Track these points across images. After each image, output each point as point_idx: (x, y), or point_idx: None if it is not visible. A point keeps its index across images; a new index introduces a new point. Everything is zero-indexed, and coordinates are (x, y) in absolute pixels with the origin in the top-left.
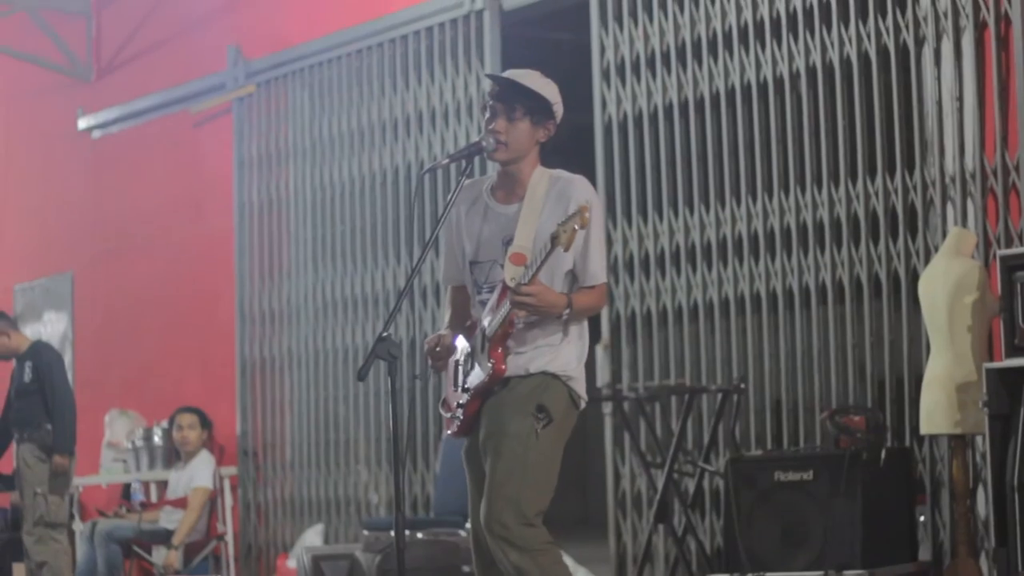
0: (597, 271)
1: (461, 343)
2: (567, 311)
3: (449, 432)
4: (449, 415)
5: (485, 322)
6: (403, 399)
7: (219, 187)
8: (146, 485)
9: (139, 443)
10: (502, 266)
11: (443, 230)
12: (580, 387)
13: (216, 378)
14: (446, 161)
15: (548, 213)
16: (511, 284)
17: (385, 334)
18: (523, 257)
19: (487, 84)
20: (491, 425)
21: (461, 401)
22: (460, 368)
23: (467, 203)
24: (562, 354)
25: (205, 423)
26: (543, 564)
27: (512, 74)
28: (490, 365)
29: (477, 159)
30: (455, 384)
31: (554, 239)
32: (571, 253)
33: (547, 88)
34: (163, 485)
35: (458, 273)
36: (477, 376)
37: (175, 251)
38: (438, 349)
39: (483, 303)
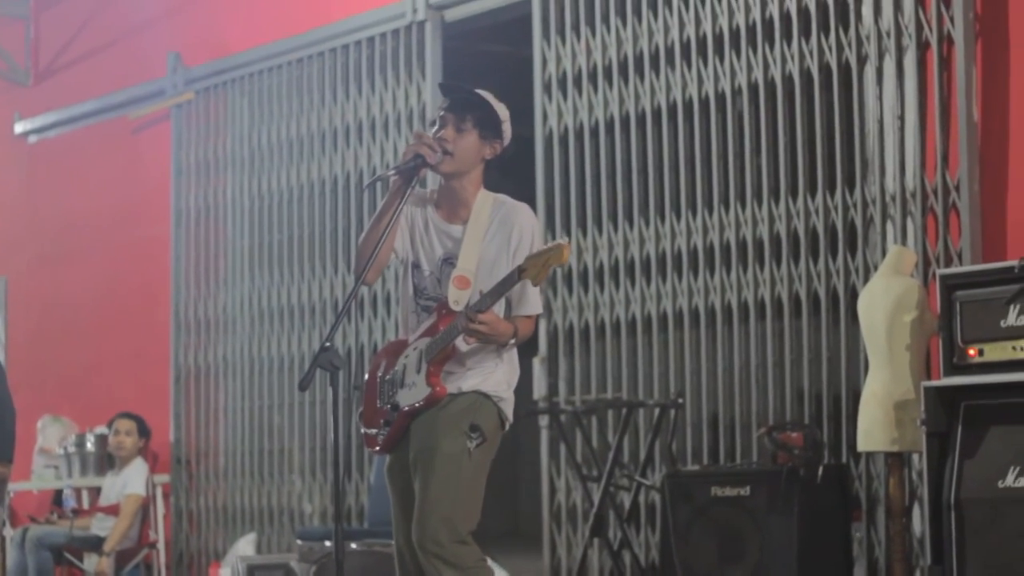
0: (535, 302)
1: (385, 358)
2: (512, 340)
3: (370, 448)
4: (374, 431)
5: (422, 343)
6: (332, 409)
7: (156, 194)
8: (78, 491)
9: (71, 449)
10: (439, 280)
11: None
12: (509, 409)
13: (150, 385)
14: (392, 172)
15: (491, 238)
16: (455, 307)
17: (328, 344)
18: (467, 281)
19: (429, 96)
20: (422, 443)
21: (388, 419)
22: (385, 383)
23: (416, 206)
24: (494, 376)
25: (143, 431)
26: None
27: (462, 84)
28: (429, 389)
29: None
30: (380, 399)
31: (521, 272)
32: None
33: (499, 106)
34: (95, 492)
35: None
36: (410, 396)
37: (111, 257)
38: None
39: (422, 310)
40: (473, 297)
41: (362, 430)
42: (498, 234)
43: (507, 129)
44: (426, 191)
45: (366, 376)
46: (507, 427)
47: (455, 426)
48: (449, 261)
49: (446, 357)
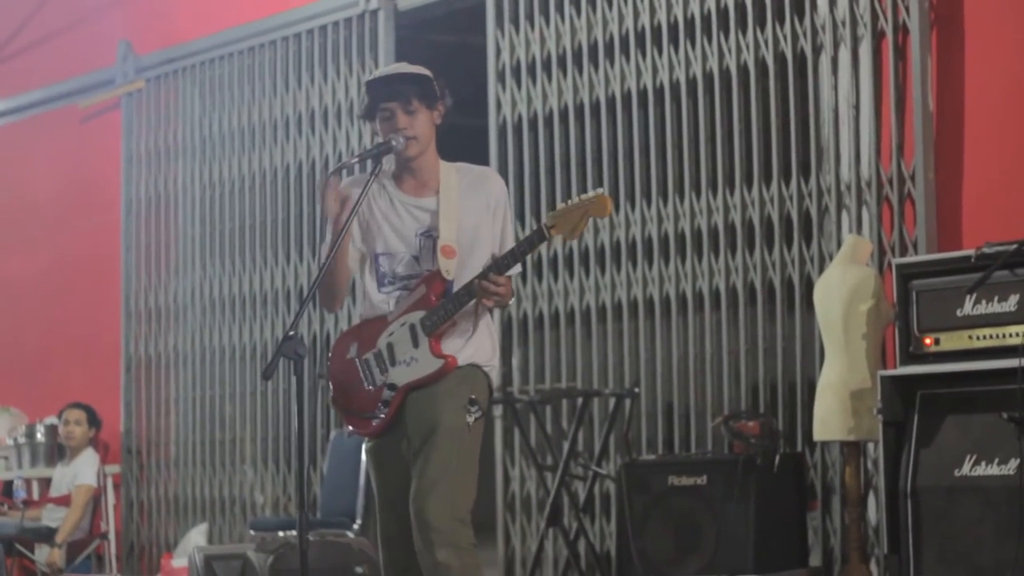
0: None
1: (355, 341)
2: (511, 299)
3: (362, 432)
4: (369, 415)
5: (413, 317)
6: (296, 398)
7: (106, 183)
8: (28, 482)
9: (21, 440)
10: (416, 258)
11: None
12: (495, 376)
13: (101, 375)
14: (355, 160)
15: (465, 204)
16: (447, 276)
17: (291, 333)
18: (453, 250)
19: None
20: (422, 420)
21: (386, 398)
22: (368, 364)
23: (373, 194)
24: (482, 345)
25: (93, 421)
26: (467, 563)
27: (384, 72)
28: (440, 361)
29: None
30: (366, 381)
31: (550, 229)
32: (489, 246)
33: (420, 69)
34: (46, 482)
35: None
36: (412, 372)
37: (61, 247)
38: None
39: (399, 290)
40: (461, 265)
41: (345, 415)
42: (472, 199)
43: (440, 84)
44: (384, 169)
45: (328, 362)
46: (492, 395)
47: (455, 400)
48: (428, 234)
49: (450, 327)
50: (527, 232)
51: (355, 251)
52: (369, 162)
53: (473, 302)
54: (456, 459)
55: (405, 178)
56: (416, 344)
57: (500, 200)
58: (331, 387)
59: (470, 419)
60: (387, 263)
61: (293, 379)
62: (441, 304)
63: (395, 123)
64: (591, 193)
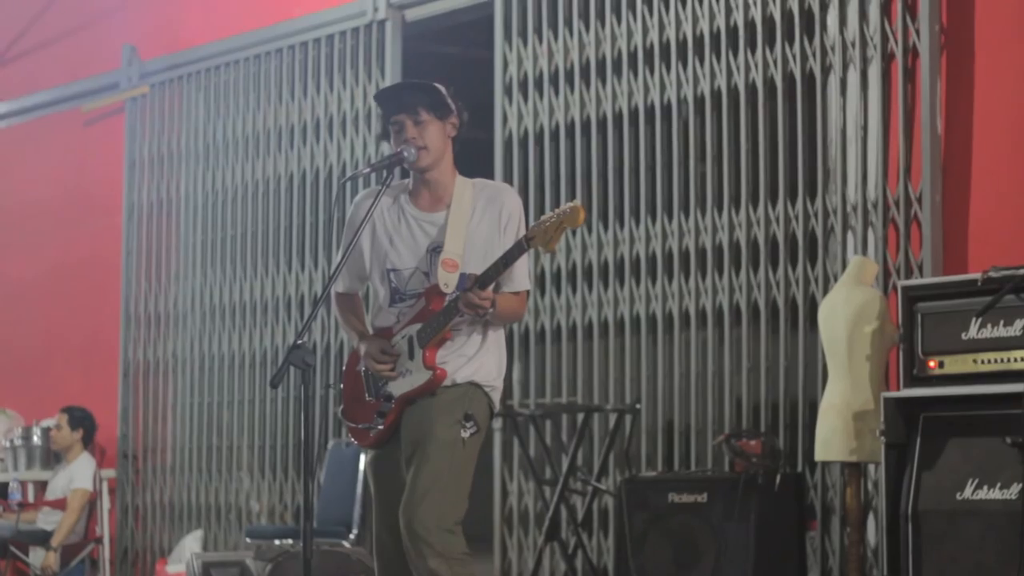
0: (523, 277)
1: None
2: (491, 310)
3: (362, 443)
4: (366, 426)
5: (411, 329)
6: (302, 407)
7: (108, 187)
8: (24, 485)
9: (18, 442)
10: (426, 274)
11: (345, 237)
12: (497, 397)
13: (98, 379)
14: (366, 171)
15: (478, 220)
16: (445, 290)
17: (300, 341)
18: (455, 264)
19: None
20: (416, 432)
21: (383, 409)
22: (371, 377)
23: (383, 208)
24: (486, 364)
25: (76, 423)
26: (458, 573)
27: (393, 85)
28: (429, 373)
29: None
30: (368, 393)
31: (529, 240)
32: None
33: (435, 84)
34: (42, 485)
35: (354, 281)
36: (406, 383)
37: (62, 250)
38: (385, 354)
39: (400, 312)
40: (461, 279)
41: (347, 425)
42: (486, 215)
43: (451, 100)
44: (397, 186)
45: (343, 372)
46: (494, 415)
47: (449, 414)
48: (436, 250)
49: (442, 340)
50: (534, 249)
51: (363, 268)
52: (381, 174)
53: (482, 322)
54: (447, 471)
55: (421, 192)
56: (412, 356)
57: (513, 215)
58: (342, 398)
59: (464, 434)
60: (397, 279)
61: (294, 387)
62: (434, 316)
63: (404, 134)
64: (566, 205)
